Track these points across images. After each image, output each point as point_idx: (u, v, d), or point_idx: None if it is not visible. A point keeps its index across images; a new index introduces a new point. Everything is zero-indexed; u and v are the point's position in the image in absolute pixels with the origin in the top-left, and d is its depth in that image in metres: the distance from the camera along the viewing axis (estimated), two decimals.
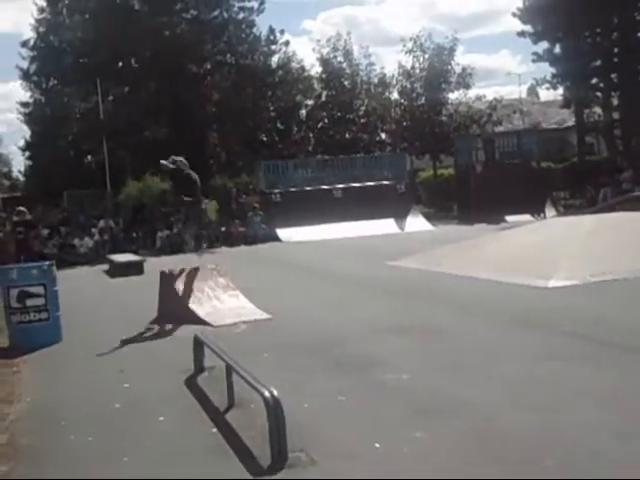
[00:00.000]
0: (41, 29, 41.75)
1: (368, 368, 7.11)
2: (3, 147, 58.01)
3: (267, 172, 29.30)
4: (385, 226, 26.04)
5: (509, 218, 25.17)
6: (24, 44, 42.16)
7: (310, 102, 43.35)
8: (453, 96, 39.27)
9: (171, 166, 11.26)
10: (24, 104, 45.00)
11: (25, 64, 42.55)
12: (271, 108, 41.62)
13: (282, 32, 42.24)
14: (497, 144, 31.58)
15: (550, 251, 12.96)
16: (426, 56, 38.69)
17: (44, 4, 41.25)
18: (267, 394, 4.85)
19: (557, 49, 36.52)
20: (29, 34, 44.14)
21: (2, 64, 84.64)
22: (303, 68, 43.11)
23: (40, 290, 9.52)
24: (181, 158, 11.26)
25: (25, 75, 43.00)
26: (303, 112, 43.39)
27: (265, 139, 41.83)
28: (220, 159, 39.99)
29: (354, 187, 28.15)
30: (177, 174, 11.33)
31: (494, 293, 11.12)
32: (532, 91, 57.30)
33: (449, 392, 6.11)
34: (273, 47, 42.17)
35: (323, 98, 42.67)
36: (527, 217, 25.43)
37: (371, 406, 5.92)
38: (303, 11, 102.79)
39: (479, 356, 7.27)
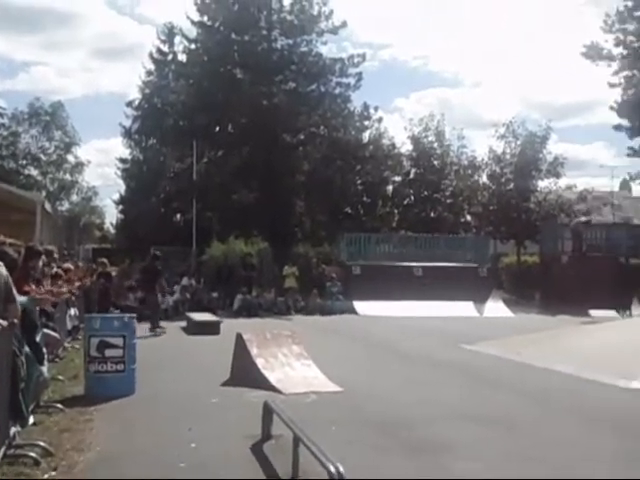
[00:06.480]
0: (146, 90, 43.98)
1: (437, 453, 6.95)
2: (98, 199, 60.59)
3: (349, 244, 29.61)
4: (464, 308, 25.64)
5: (593, 312, 24.41)
6: (129, 104, 44.58)
7: (398, 178, 43.60)
8: (543, 184, 38.95)
9: None
10: (122, 160, 46.99)
11: (128, 122, 44.78)
12: (359, 181, 41.99)
13: (376, 109, 42.74)
14: (585, 236, 30.93)
15: (635, 350, 12.52)
16: (518, 142, 38.62)
17: (152, 67, 43.45)
18: (333, 469, 4.79)
19: None
20: (135, 95, 46.53)
21: (106, 122, 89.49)
22: (394, 145, 43.47)
23: (119, 341, 9.67)
24: None
25: (126, 133, 45.17)
26: (390, 188, 43.58)
27: (350, 211, 42.14)
28: (304, 227, 40.45)
29: (435, 266, 27.88)
30: None
31: (573, 388, 10.79)
32: (625, 185, 56.26)
33: None
34: (366, 122, 42.67)
35: (411, 175, 42.89)
36: (612, 313, 24.64)
37: None
38: (397, 89, 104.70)
39: (553, 453, 7.02)
